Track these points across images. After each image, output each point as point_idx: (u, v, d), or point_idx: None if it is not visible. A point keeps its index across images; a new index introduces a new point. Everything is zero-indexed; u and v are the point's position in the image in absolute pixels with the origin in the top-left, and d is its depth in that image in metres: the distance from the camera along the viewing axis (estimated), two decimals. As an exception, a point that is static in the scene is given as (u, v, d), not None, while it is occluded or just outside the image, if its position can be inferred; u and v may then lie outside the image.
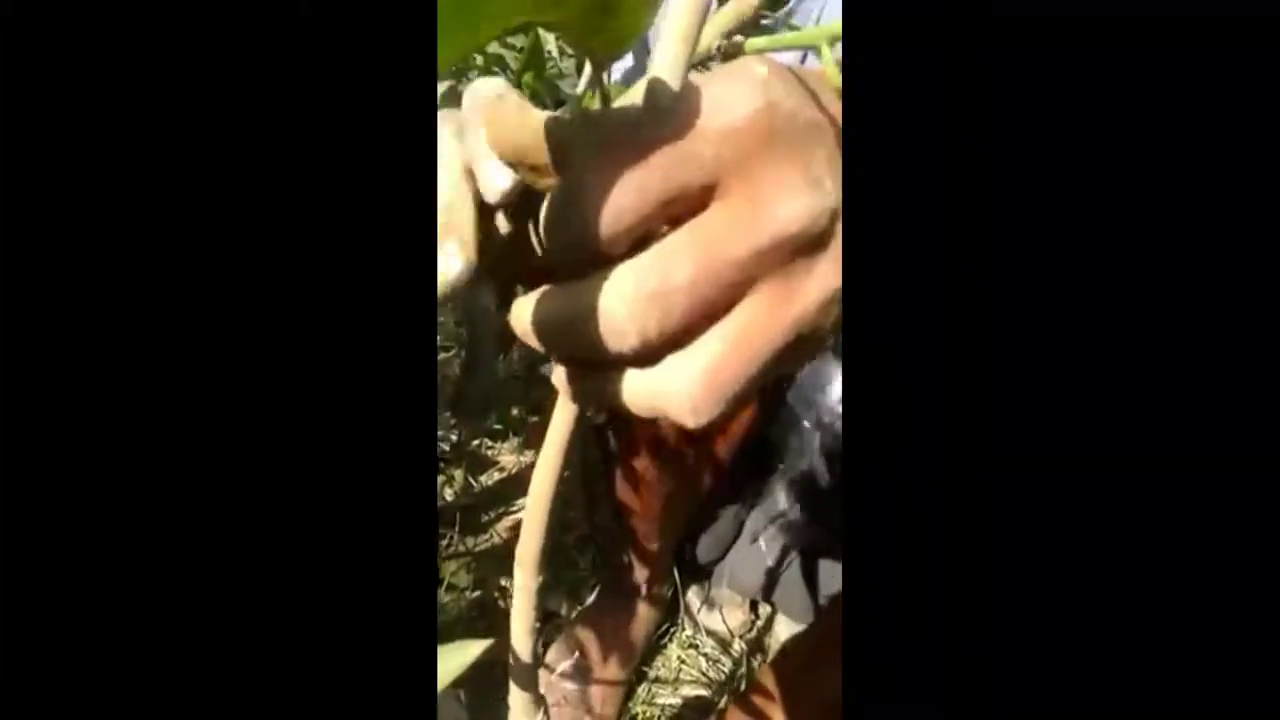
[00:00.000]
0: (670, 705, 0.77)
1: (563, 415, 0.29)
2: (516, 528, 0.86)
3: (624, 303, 0.18)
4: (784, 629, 0.83)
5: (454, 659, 0.28)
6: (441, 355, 1.09)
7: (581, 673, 0.74)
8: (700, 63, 0.25)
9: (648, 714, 0.76)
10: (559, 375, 0.22)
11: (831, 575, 0.79)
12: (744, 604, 0.85)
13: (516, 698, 0.35)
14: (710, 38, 0.25)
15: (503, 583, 0.83)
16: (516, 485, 0.93)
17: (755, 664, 0.80)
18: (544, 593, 0.33)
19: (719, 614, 0.84)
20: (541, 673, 0.73)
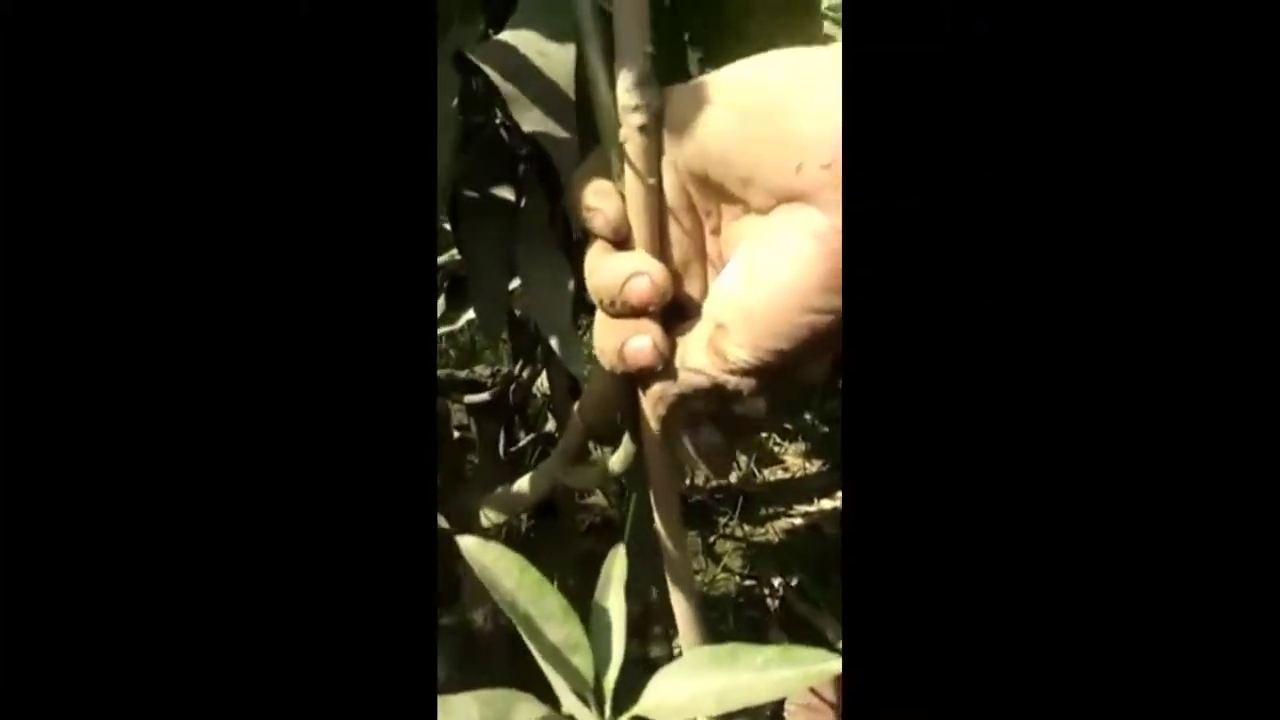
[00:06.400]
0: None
1: None
2: (792, 531, 0.87)
3: None
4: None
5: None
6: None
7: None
8: None
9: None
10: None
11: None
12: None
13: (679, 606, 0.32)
14: None
15: (774, 580, 0.82)
16: (793, 490, 0.93)
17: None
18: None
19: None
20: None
